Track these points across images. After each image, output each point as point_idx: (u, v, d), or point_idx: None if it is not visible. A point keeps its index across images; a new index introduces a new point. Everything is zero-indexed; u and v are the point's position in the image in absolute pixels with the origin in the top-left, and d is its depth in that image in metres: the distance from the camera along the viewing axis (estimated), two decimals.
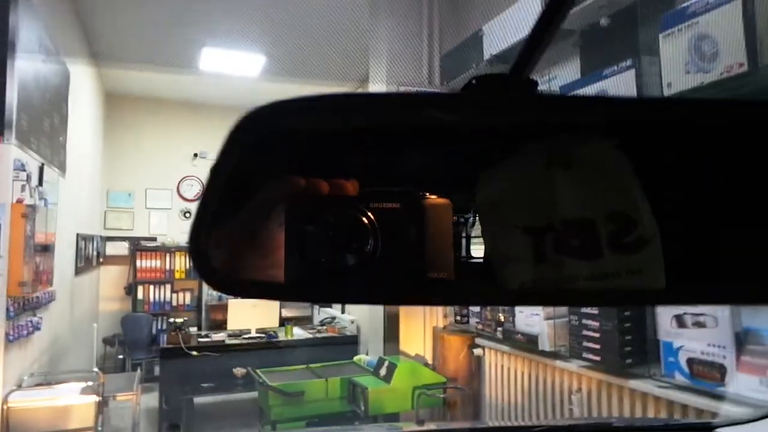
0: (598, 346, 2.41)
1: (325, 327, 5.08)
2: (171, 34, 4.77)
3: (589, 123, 0.36)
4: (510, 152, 0.37)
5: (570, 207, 0.36)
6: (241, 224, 0.35)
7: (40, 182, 3.22)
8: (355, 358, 4.05)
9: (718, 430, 1.22)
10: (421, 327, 3.86)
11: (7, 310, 2.66)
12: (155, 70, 5.66)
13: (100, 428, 2.91)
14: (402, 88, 3.78)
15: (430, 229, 0.38)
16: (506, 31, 3.15)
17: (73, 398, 2.86)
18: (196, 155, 6.82)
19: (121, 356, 5.61)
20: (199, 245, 0.32)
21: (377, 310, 4.26)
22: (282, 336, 4.65)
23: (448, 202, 0.39)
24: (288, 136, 0.35)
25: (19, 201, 2.79)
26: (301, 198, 0.35)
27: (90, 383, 3.02)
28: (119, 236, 6.41)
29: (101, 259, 6.07)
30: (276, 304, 4.93)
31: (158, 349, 4.49)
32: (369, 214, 0.36)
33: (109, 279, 6.26)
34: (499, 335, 3.16)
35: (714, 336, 1.93)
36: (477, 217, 0.40)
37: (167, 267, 6.29)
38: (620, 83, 2.37)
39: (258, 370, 3.66)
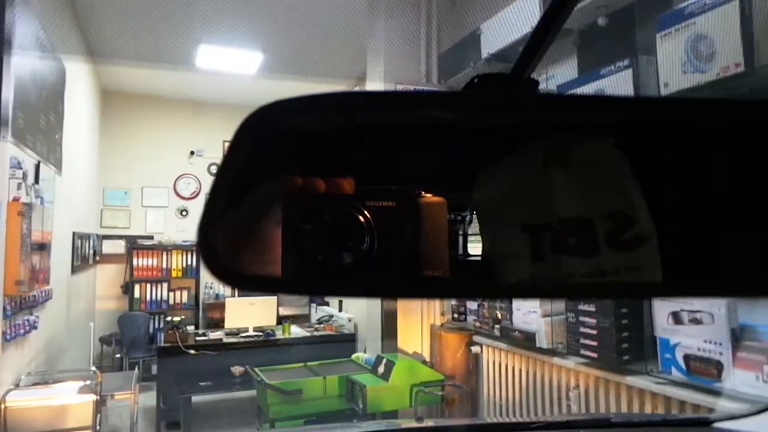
0: (595, 343, 2.42)
1: (322, 325, 5.08)
2: (167, 32, 4.75)
3: (589, 122, 0.36)
4: (509, 151, 0.37)
5: (568, 206, 0.36)
6: (241, 221, 0.35)
7: (37, 180, 3.20)
8: (353, 356, 4.05)
9: (715, 424, 1.24)
10: (418, 325, 3.86)
11: (4, 308, 2.65)
12: (151, 67, 5.63)
13: (98, 427, 2.90)
14: (399, 87, 3.78)
15: (426, 227, 0.38)
16: (504, 30, 3.16)
17: (71, 397, 2.85)
18: (192, 153, 6.81)
19: (118, 355, 5.59)
20: (207, 239, 0.33)
21: (375, 309, 4.26)
22: (279, 334, 4.65)
23: (443, 200, 0.39)
24: (292, 134, 0.35)
25: (16, 199, 2.78)
26: (298, 196, 0.36)
27: (88, 382, 3.01)
28: (116, 234, 6.39)
29: (98, 258, 6.04)
30: (273, 302, 4.93)
31: (156, 347, 4.47)
32: (365, 212, 0.37)
33: (106, 278, 6.24)
34: (497, 332, 3.17)
35: (710, 332, 1.95)
36: (474, 216, 0.41)
37: (164, 265, 6.27)
38: (617, 83, 2.39)
39: (256, 369, 3.66)
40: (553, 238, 0.36)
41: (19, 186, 2.84)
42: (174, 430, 4.04)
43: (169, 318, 4.68)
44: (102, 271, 6.22)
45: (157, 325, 5.95)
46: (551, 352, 2.76)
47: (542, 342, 2.77)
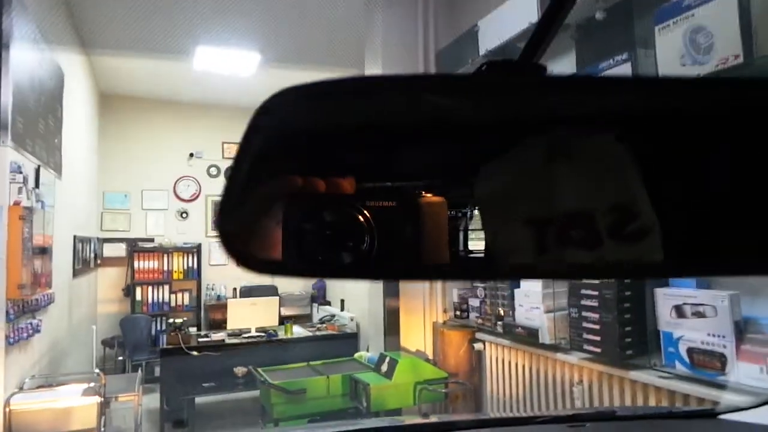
0: (598, 338, 2.42)
1: (324, 325, 5.08)
2: (165, 32, 4.75)
3: (600, 104, 0.36)
4: (513, 143, 0.37)
5: (572, 198, 0.36)
6: (247, 215, 0.36)
7: (37, 184, 3.20)
8: (356, 355, 4.06)
9: (721, 416, 1.24)
10: (421, 323, 3.87)
11: (7, 312, 2.65)
12: (149, 69, 5.64)
13: (102, 429, 2.90)
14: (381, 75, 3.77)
15: (426, 226, 0.38)
16: (501, 26, 3.15)
17: (75, 400, 2.85)
18: (191, 155, 6.81)
19: (120, 358, 5.60)
20: (224, 227, 0.33)
21: (377, 307, 4.26)
22: (282, 334, 4.66)
23: (443, 199, 0.39)
24: (304, 121, 0.35)
25: (17, 203, 2.78)
26: (299, 196, 0.36)
27: (91, 384, 3.02)
28: (116, 238, 6.39)
29: (99, 261, 6.05)
30: (275, 303, 4.94)
31: (158, 350, 4.47)
32: (365, 212, 0.37)
33: (107, 281, 6.24)
34: (500, 329, 3.17)
35: (714, 325, 1.95)
36: (475, 212, 0.41)
37: (165, 268, 6.28)
38: None
39: (259, 369, 3.66)
40: (557, 231, 0.36)
41: (19, 190, 2.84)
42: (179, 428, 4.04)
43: (171, 320, 4.68)
44: (103, 275, 6.22)
45: (159, 327, 5.96)
46: (554, 347, 2.76)
47: (545, 338, 2.77)
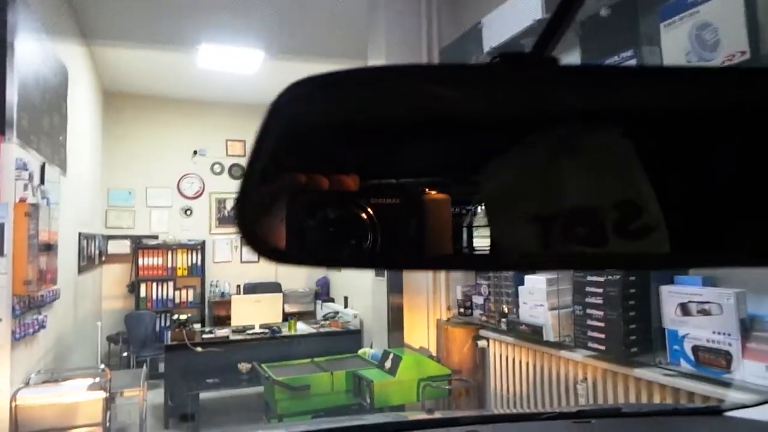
0: (602, 336, 2.42)
1: (328, 321, 5.10)
2: (169, 30, 4.75)
3: (612, 96, 0.36)
4: (521, 138, 0.37)
5: (578, 193, 0.36)
6: (257, 207, 0.36)
7: (42, 181, 3.21)
8: (360, 352, 4.07)
9: (726, 413, 1.24)
10: (424, 320, 3.87)
11: (13, 308, 2.67)
12: (153, 67, 5.64)
13: (107, 424, 2.92)
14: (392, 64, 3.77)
15: (430, 224, 0.38)
16: (505, 23, 3.14)
17: (81, 395, 2.87)
18: (195, 152, 6.82)
19: (125, 354, 5.63)
20: (243, 214, 0.34)
21: (381, 304, 4.27)
22: (285, 331, 4.67)
23: (447, 197, 0.39)
24: (312, 119, 0.36)
25: (22, 200, 2.79)
26: (302, 194, 0.36)
27: (97, 380, 3.03)
28: (121, 234, 6.41)
29: (103, 258, 6.07)
30: (279, 299, 4.95)
31: (163, 346, 4.49)
32: (369, 210, 0.37)
33: (112, 277, 6.27)
34: (504, 326, 3.17)
35: (719, 323, 1.94)
36: (479, 209, 0.41)
37: (169, 264, 6.30)
38: None
39: (263, 365, 3.67)
40: (562, 227, 0.36)
41: (25, 187, 2.85)
42: (189, 421, 4.05)
43: (175, 316, 4.70)
44: (108, 271, 6.24)
45: (163, 324, 5.98)
46: (558, 345, 2.76)
47: (549, 335, 2.77)
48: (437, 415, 1.99)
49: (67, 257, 3.95)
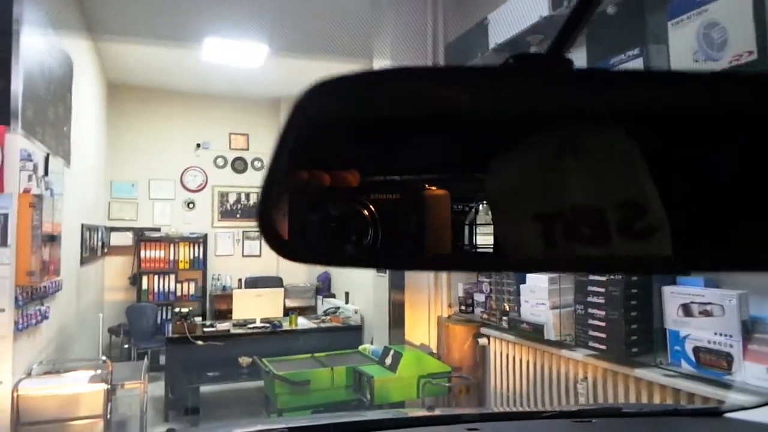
0: (603, 335, 2.42)
1: (328, 317, 5.10)
2: (173, 23, 4.74)
3: (623, 96, 0.36)
4: (527, 132, 0.37)
5: (582, 193, 0.36)
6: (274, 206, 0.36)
7: (46, 172, 3.22)
8: (360, 348, 4.07)
9: (726, 414, 1.24)
10: (425, 316, 3.87)
11: (16, 299, 2.68)
12: (158, 59, 5.64)
13: (108, 416, 2.93)
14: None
15: (429, 219, 0.38)
16: (511, 19, 3.13)
17: (82, 386, 2.88)
18: (198, 146, 6.82)
19: (126, 346, 5.65)
20: (265, 213, 0.35)
21: (382, 300, 4.27)
22: (286, 326, 4.68)
23: (447, 193, 0.39)
24: (339, 113, 0.36)
25: (26, 191, 2.80)
26: (305, 190, 0.36)
27: (98, 371, 3.04)
28: (123, 227, 6.43)
29: (106, 250, 6.09)
30: (280, 294, 4.96)
31: (164, 338, 4.51)
32: (370, 205, 0.37)
33: (114, 269, 6.29)
34: (505, 324, 3.17)
35: (721, 325, 1.94)
36: (481, 206, 0.41)
37: (171, 257, 6.31)
38: None
39: (264, 359, 3.68)
40: (566, 226, 0.36)
41: (29, 178, 2.86)
42: (187, 415, 4.07)
43: (176, 309, 4.71)
44: (110, 263, 6.26)
45: (164, 316, 6.00)
46: (559, 344, 2.76)
47: (550, 334, 2.77)
48: (437, 412, 1.99)
49: (69, 248, 3.96)
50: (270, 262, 6.63)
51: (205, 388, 4.34)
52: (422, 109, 0.36)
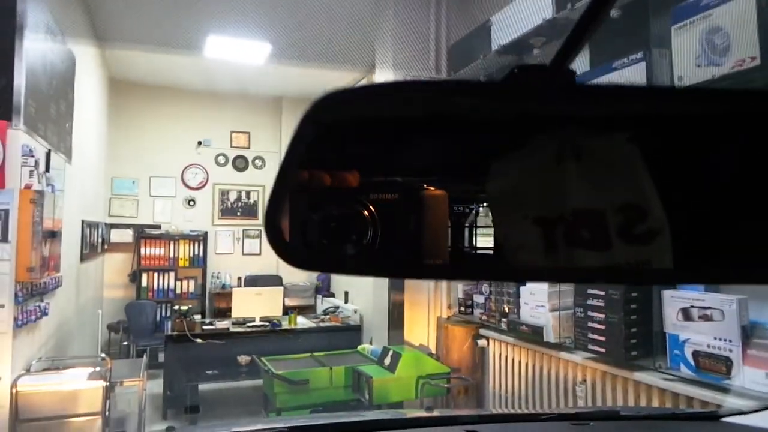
0: (603, 338, 2.42)
1: (328, 316, 5.10)
2: (176, 22, 4.74)
3: (633, 112, 0.37)
4: (527, 142, 0.37)
5: (580, 200, 0.36)
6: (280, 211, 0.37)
7: (47, 168, 3.22)
8: (360, 347, 4.07)
9: (724, 419, 1.24)
10: (425, 317, 3.87)
11: (16, 295, 2.68)
12: (160, 56, 5.64)
13: (107, 413, 2.94)
14: (409, 78, 3.77)
15: (427, 219, 0.39)
16: (515, 22, 3.13)
17: (81, 383, 2.88)
18: (199, 143, 6.82)
19: (125, 343, 5.65)
20: (273, 217, 0.35)
21: (381, 301, 4.28)
22: (286, 324, 4.68)
23: (444, 193, 0.40)
24: (344, 125, 0.37)
25: (28, 187, 2.80)
26: (306, 190, 0.37)
27: (97, 368, 3.04)
28: (123, 223, 6.43)
29: (106, 246, 6.09)
30: (279, 293, 4.96)
31: (163, 336, 4.51)
32: (369, 205, 0.38)
33: (114, 266, 6.29)
34: (504, 326, 3.17)
35: (720, 329, 1.94)
36: (480, 209, 0.41)
37: (171, 255, 6.31)
38: (630, 75, 2.36)
39: (263, 358, 3.68)
40: (566, 230, 0.36)
41: (31, 174, 2.86)
42: (194, 413, 4.06)
43: (176, 307, 4.71)
44: (110, 260, 6.26)
45: (164, 314, 6.00)
46: (558, 346, 2.76)
47: (550, 336, 2.77)
48: (436, 413, 1.99)
49: (70, 245, 3.96)
50: (270, 261, 6.63)
51: (204, 386, 4.34)
52: (424, 117, 0.37)
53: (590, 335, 2.49)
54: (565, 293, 2.75)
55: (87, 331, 4.79)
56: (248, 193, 7.03)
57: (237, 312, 4.68)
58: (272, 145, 6.98)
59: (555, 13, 2.83)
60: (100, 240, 5.60)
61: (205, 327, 4.53)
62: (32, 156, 2.88)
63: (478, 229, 0.42)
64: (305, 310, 6.02)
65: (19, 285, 2.71)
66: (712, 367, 1.97)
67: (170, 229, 6.47)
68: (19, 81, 2.74)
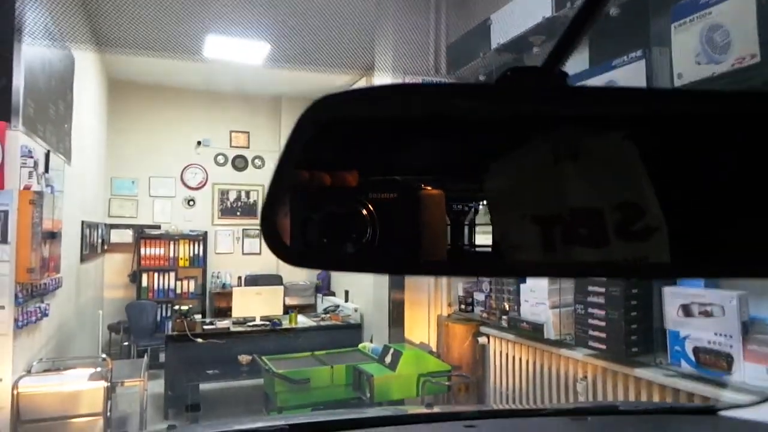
0: (603, 335, 2.42)
1: (328, 315, 5.11)
2: (175, 21, 4.74)
3: (623, 114, 0.37)
4: (525, 143, 0.38)
5: (578, 198, 0.37)
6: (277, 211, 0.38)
7: (47, 169, 3.22)
8: (360, 346, 4.08)
9: (720, 413, 1.24)
10: (425, 315, 3.88)
11: (16, 296, 2.68)
12: (159, 56, 5.63)
13: (108, 414, 2.94)
14: (408, 78, 3.77)
15: (425, 218, 0.40)
16: (515, 20, 3.13)
17: (82, 384, 2.88)
18: (199, 143, 6.82)
19: (126, 343, 5.65)
20: (269, 216, 0.36)
21: (382, 299, 4.28)
22: (286, 324, 4.68)
23: (441, 192, 0.41)
24: (341, 126, 0.37)
25: (27, 188, 2.80)
26: (306, 189, 0.37)
27: (98, 369, 3.05)
28: (123, 224, 6.42)
29: (106, 247, 6.09)
30: (280, 292, 4.96)
31: (163, 336, 4.51)
32: (368, 204, 0.38)
33: (114, 266, 6.29)
34: (504, 323, 3.18)
35: (721, 325, 1.95)
36: (478, 206, 0.42)
37: (171, 255, 6.31)
38: (630, 74, 2.37)
39: (263, 357, 3.69)
40: (564, 228, 0.37)
41: (30, 174, 2.85)
42: (195, 411, 4.07)
43: (176, 307, 4.71)
44: (110, 260, 6.26)
45: (164, 314, 6.00)
46: (559, 343, 2.77)
47: (550, 333, 2.78)
48: (436, 409, 2.00)
49: (70, 246, 3.96)
50: (270, 260, 6.63)
51: (204, 386, 4.34)
52: (420, 119, 0.38)
53: (591, 332, 2.49)
54: (566, 290, 2.76)
55: (87, 331, 4.79)
56: (248, 193, 7.03)
57: (237, 311, 4.68)
58: (272, 145, 6.98)
59: (554, 12, 2.83)
60: (100, 240, 5.60)
61: (205, 327, 4.53)
62: (31, 157, 2.88)
63: (476, 227, 0.42)
64: (306, 309, 6.02)
65: (19, 286, 2.71)
66: (713, 363, 1.97)
67: (170, 229, 6.47)
68: (18, 82, 2.74)
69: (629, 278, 2.24)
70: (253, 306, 4.70)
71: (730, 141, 0.36)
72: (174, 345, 4.24)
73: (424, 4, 4.02)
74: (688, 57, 2.06)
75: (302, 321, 4.85)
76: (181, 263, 6.34)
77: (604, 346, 2.43)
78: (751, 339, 1.90)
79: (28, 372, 2.89)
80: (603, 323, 2.43)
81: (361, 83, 5.47)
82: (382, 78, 4.16)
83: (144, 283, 6.17)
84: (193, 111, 6.75)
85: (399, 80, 3.71)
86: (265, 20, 4.66)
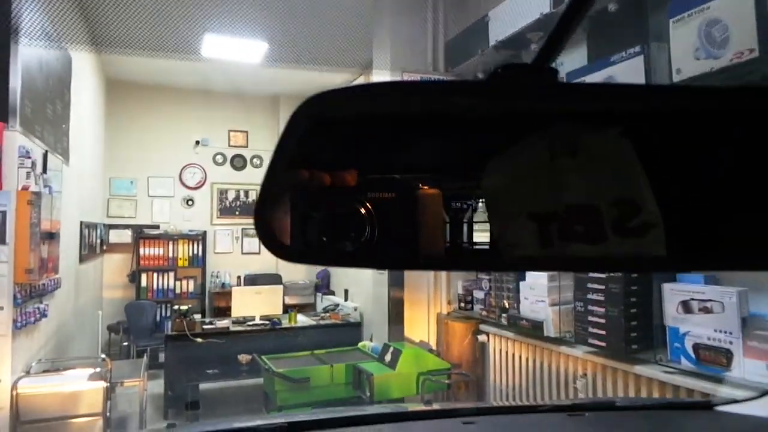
0: (603, 332, 2.42)
1: (328, 314, 5.11)
2: (172, 21, 4.72)
3: (610, 111, 0.37)
4: (517, 140, 0.38)
5: (576, 193, 0.37)
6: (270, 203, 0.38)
7: (45, 169, 3.21)
8: (360, 345, 4.08)
9: (717, 407, 1.24)
10: (425, 313, 3.88)
11: (15, 297, 2.67)
12: (157, 56, 5.62)
13: (108, 414, 2.93)
14: (406, 75, 3.76)
15: (422, 217, 0.40)
16: (513, 16, 3.12)
17: (82, 384, 2.88)
18: (197, 143, 6.81)
19: (125, 343, 5.65)
20: (263, 213, 0.36)
21: (381, 298, 4.28)
22: (286, 323, 4.68)
23: (439, 192, 0.41)
24: (335, 123, 0.38)
25: (25, 188, 2.79)
26: (305, 189, 0.38)
27: (97, 369, 3.04)
28: (122, 224, 6.42)
29: (105, 247, 6.08)
30: (279, 291, 4.96)
31: (163, 336, 4.51)
32: (367, 204, 0.39)
33: (113, 267, 6.28)
34: (504, 321, 3.18)
35: (720, 321, 1.94)
36: (476, 205, 0.42)
37: (170, 254, 6.31)
38: (628, 69, 2.36)
39: (263, 357, 3.68)
40: (561, 225, 0.37)
41: (27, 175, 2.85)
42: (195, 409, 4.06)
43: (176, 306, 4.70)
44: (109, 260, 6.26)
45: (163, 314, 6.00)
46: (559, 340, 2.77)
47: (550, 331, 2.78)
48: (435, 406, 2.00)
49: (68, 246, 3.96)
50: (269, 260, 6.63)
51: (204, 386, 4.34)
52: (415, 117, 0.38)
53: (590, 329, 2.49)
54: (565, 288, 2.75)
55: (87, 332, 4.78)
56: (246, 192, 7.02)
57: (237, 311, 4.67)
58: (270, 144, 6.94)
59: (552, 8, 2.82)
60: (98, 241, 5.60)
61: (205, 326, 4.52)
62: (29, 157, 2.87)
63: (474, 224, 0.42)
64: (305, 308, 6.02)
65: (18, 287, 2.70)
66: (713, 359, 1.97)
67: (169, 229, 6.47)
68: (15, 82, 2.73)
69: (628, 272, 2.24)
70: (253, 305, 4.70)
71: (728, 136, 0.36)
72: (173, 345, 4.23)
73: (422, 1, 4.01)
74: (687, 52, 2.05)
75: (302, 320, 4.85)
76: (180, 263, 6.33)
77: (603, 344, 2.43)
78: (751, 335, 1.89)
79: (28, 373, 2.88)
80: (603, 320, 2.43)
81: (360, 81, 5.46)
82: (380, 76, 4.15)
83: (143, 283, 6.17)
84: (192, 110, 6.74)
85: (397, 78, 3.71)
86: (263, 19, 4.65)
